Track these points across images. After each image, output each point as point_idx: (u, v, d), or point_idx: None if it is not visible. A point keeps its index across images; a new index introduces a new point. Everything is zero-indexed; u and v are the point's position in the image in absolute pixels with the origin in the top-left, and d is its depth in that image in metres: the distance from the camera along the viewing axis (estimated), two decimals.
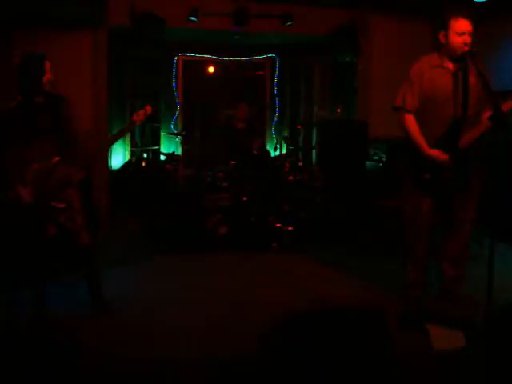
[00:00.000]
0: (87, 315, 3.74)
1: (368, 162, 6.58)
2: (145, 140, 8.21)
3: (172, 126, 8.26)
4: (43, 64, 3.48)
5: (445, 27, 3.54)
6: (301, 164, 6.42)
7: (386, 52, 7.04)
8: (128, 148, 7.88)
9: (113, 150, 7.39)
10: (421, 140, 3.63)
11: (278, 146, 6.87)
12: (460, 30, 3.47)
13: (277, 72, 8.71)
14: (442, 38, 3.59)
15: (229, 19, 6.65)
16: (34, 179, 3.50)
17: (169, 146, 8.21)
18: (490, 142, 3.67)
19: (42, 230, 3.57)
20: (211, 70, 8.74)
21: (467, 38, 3.46)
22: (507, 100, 3.42)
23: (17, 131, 3.49)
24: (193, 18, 6.47)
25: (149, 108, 3.88)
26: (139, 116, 3.82)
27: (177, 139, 7.74)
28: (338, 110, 7.49)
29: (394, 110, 3.77)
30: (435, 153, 3.59)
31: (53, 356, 2.34)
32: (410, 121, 3.68)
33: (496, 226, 3.26)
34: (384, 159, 6.26)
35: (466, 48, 3.44)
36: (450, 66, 3.61)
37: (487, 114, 3.42)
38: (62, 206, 3.58)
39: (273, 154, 6.97)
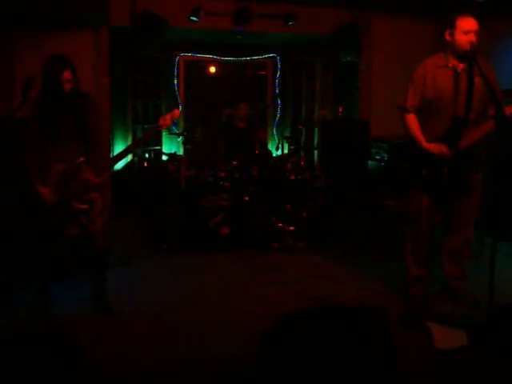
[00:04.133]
0: (89, 315, 3.75)
1: (370, 162, 6.57)
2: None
3: (174, 126, 8.26)
4: (68, 65, 3.47)
5: (451, 25, 3.54)
6: (303, 163, 6.41)
7: (387, 51, 7.03)
8: None
9: (115, 150, 7.40)
10: (419, 135, 3.67)
11: (279, 145, 6.86)
12: (466, 28, 3.48)
13: (278, 72, 8.71)
14: (447, 36, 3.59)
15: (230, 19, 6.65)
16: (57, 179, 3.49)
17: (170, 146, 8.21)
18: (492, 142, 3.66)
19: (59, 231, 3.56)
20: (213, 69, 8.74)
21: (472, 37, 3.46)
22: (511, 103, 3.42)
23: (41, 131, 3.48)
24: (194, 18, 6.47)
25: (176, 112, 3.74)
26: (166, 120, 3.70)
27: (178, 139, 7.74)
28: (340, 110, 7.48)
29: (399, 110, 3.81)
30: (433, 146, 3.62)
31: (55, 356, 2.34)
32: (410, 120, 3.73)
33: (497, 225, 3.25)
34: (386, 158, 6.25)
35: (469, 47, 3.44)
36: (456, 65, 3.60)
37: (491, 114, 3.42)
38: (85, 207, 3.57)
39: (275, 153, 6.96)
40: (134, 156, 7.89)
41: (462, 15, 3.50)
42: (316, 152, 8.34)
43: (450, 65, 3.61)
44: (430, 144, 3.63)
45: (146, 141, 4.13)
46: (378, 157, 6.41)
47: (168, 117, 3.71)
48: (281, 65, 8.70)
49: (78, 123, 3.52)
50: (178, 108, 8.26)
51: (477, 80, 3.51)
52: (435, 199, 3.74)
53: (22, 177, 3.56)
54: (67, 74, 3.45)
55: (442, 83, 3.61)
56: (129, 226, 6.27)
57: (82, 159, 3.52)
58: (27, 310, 3.76)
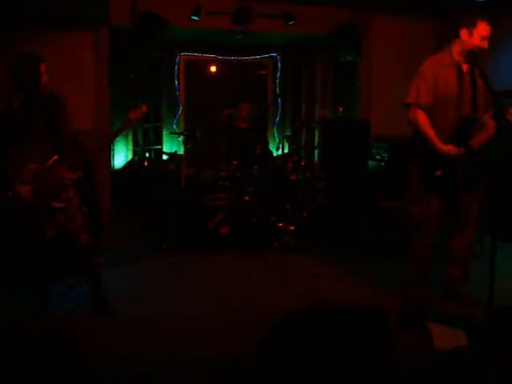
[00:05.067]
0: (89, 315, 3.75)
1: (370, 161, 6.57)
2: (147, 139, 8.22)
3: (174, 126, 8.26)
4: (39, 65, 3.50)
5: (471, 25, 3.50)
6: (303, 163, 6.41)
7: (387, 51, 7.03)
8: (130, 147, 7.89)
9: (115, 149, 7.40)
10: (434, 136, 3.55)
11: (280, 145, 6.86)
12: (484, 34, 3.49)
13: (279, 71, 8.70)
14: (464, 35, 3.54)
15: (231, 19, 6.65)
16: (31, 179, 3.50)
17: (171, 146, 8.21)
18: (492, 142, 3.66)
19: (40, 230, 3.57)
20: (213, 69, 8.73)
21: (486, 44, 3.49)
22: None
23: (14, 132, 3.50)
24: (195, 18, 6.47)
25: (144, 107, 3.86)
26: (136, 114, 3.81)
27: (179, 138, 7.74)
28: (340, 109, 7.46)
29: (405, 107, 3.70)
30: (449, 148, 3.52)
31: (54, 355, 2.34)
32: (423, 117, 3.61)
33: (498, 226, 3.25)
34: (386, 158, 6.25)
35: (477, 49, 3.46)
36: (462, 65, 3.60)
37: (489, 115, 3.42)
38: (62, 205, 3.58)
39: (275, 153, 6.96)
40: (134, 155, 7.90)
41: (483, 19, 3.48)
42: (316, 152, 8.34)
43: (456, 62, 3.59)
44: (446, 146, 3.53)
45: (115, 137, 4.23)
46: (378, 156, 6.41)
47: (138, 112, 3.83)
48: (281, 64, 8.70)
49: (48, 123, 3.54)
50: (178, 107, 8.27)
51: (478, 81, 3.51)
52: (446, 200, 3.69)
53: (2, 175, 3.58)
54: (43, 67, 3.52)
55: (450, 82, 3.58)
56: (129, 226, 6.27)
57: (54, 159, 3.54)
58: (27, 310, 3.76)
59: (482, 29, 3.48)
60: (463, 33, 3.55)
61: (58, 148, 3.58)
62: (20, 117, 3.49)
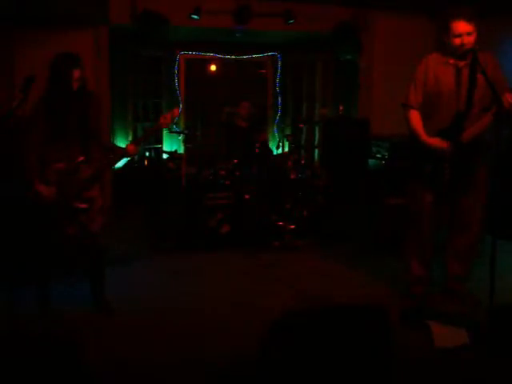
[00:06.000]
0: (88, 315, 3.75)
1: (370, 160, 6.56)
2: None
3: (174, 125, 8.25)
4: (75, 64, 3.45)
5: (445, 29, 3.58)
6: (303, 162, 6.40)
7: (387, 49, 7.02)
8: None
9: None
10: (420, 131, 3.68)
11: (280, 144, 6.86)
12: (457, 31, 3.51)
13: (279, 70, 8.70)
14: (445, 39, 3.62)
15: (231, 17, 6.64)
16: (57, 179, 3.48)
17: (171, 145, 8.21)
18: (493, 139, 3.65)
19: (58, 229, 3.55)
20: (213, 68, 8.73)
21: (465, 39, 3.50)
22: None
23: (45, 130, 3.47)
24: (195, 17, 6.46)
25: (176, 111, 3.77)
26: (166, 119, 3.72)
27: (179, 137, 7.74)
28: (341, 108, 7.46)
29: (402, 107, 3.83)
30: (434, 141, 3.62)
31: (55, 354, 2.34)
32: (413, 115, 3.74)
33: (498, 224, 3.24)
34: (386, 157, 6.24)
35: (465, 47, 3.46)
36: (456, 62, 3.61)
37: (492, 111, 3.42)
38: (85, 206, 3.55)
39: (275, 152, 6.95)
40: None
41: (453, 19, 3.52)
42: (316, 150, 8.33)
43: (451, 62, 3.62)
44: (430, 138, 3.64)
45: (146, 140, 4.13)
46: (378, 155, 6.40)
47: (168, 116, 3.74)
48: (281, 63, 8.69)
49: (81, 123, 3.51)
50: (179, 106, 8.26)
51: (479, 76, 3.51)
52: (439, 196, 3.73)
53: (22, 175, 3.56)
54: (77, 73, 3.45)
55: (444, 79, 3.63)
56: (129, 225, 6.27)
57: (81, 158, 3.51)
58: (27, 309, 3.76)
59: (454, 28, 3.52)
60: (444, 38, 3.62)
61: (85, 148, 3.53)
62: (53, 116, 3.46)
